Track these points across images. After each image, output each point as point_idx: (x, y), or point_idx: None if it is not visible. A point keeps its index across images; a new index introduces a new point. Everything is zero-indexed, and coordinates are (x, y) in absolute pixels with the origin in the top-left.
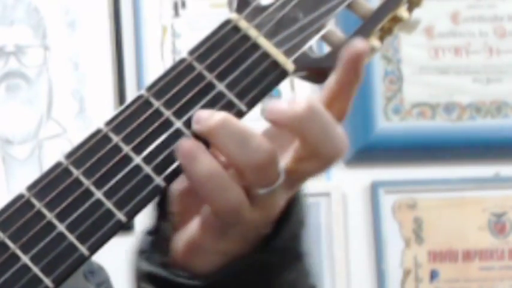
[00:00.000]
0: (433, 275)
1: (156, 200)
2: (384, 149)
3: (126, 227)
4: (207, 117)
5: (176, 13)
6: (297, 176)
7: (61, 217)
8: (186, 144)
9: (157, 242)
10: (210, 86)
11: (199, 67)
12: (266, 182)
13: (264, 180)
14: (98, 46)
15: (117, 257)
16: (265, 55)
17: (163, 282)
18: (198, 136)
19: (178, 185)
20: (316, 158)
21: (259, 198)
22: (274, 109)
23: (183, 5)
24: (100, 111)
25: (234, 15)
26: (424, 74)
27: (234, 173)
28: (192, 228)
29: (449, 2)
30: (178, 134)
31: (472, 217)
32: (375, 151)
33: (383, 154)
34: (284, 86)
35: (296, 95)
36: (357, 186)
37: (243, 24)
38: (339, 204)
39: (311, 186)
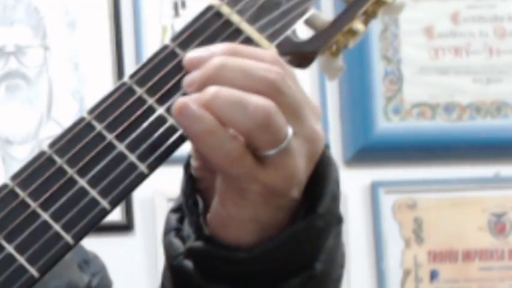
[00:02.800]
0: (433, 275)
1: (184, 178)
2: (384, 149)
3: (125, 226)
4: (198, 96)
5: (176, 13)
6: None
7: (45, 206)
8: (182, 101)
9: (188, 218)
10: None
11: (182, 53)
12: (273, 141)
13: (270, 139)
14: (98, 46)
15: (117, 257)
16: (248, 40)
17: (203, 256)
18: None
19: (196, 162)
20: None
21: (271, 160)
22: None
23: (183, 5)
24: None
25: (216, 1)
26: (424, 74)
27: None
28: (214, 203)
29: (449, 2)
30: (161, 121)
31: (472, 217)
32: (375, 151)
33: (383, 154)
34: None
35: None
36: (357, 186)
37: (225, 9)
38: None
39: None
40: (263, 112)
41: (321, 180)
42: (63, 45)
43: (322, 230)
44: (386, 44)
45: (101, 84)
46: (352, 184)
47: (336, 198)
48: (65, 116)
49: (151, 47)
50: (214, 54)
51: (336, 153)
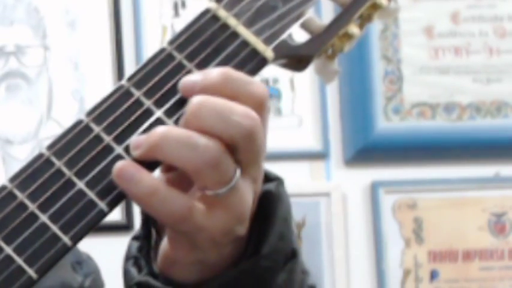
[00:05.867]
0: (433, 275)
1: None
2: (384, 149)
3: (125, 226)
4: (145, 138)
5: (176, 13)
6: (244, 165)
7: (43, 208)
8: (120, 166)
9: (144, 248)
10: None
11: (179, 56)
12: (224, 179)
13: (221, 178)
14: (98, 46)
15: (117, 256)
16: (245, 43)
17: None
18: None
19: None
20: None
21: (221, 199)
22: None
23: (183, 5)
24: None
25: (213, 5)
26: (424, 74)
27: (178, 181)
28: (164, 243)
29: (449, 2)
30: (159, 123)
31: (472, 217)
32: (375, 151)
33: (383, 154)
34: (284, 86)
35: (296, 94)
36: (357, 186)
37: (222, 13)
38: (339, 204)
39: (311, 186)
40: (214, 149)
41: (267, 220)
42: (63, 45)
43: (269, 269)
44: (386, 44)
45: (101, 84)
46: (352, 184)
47: (283, 236)
48: (65, 116)
49: (151, 47)
50: (207, 79)
51: (336, 153)
